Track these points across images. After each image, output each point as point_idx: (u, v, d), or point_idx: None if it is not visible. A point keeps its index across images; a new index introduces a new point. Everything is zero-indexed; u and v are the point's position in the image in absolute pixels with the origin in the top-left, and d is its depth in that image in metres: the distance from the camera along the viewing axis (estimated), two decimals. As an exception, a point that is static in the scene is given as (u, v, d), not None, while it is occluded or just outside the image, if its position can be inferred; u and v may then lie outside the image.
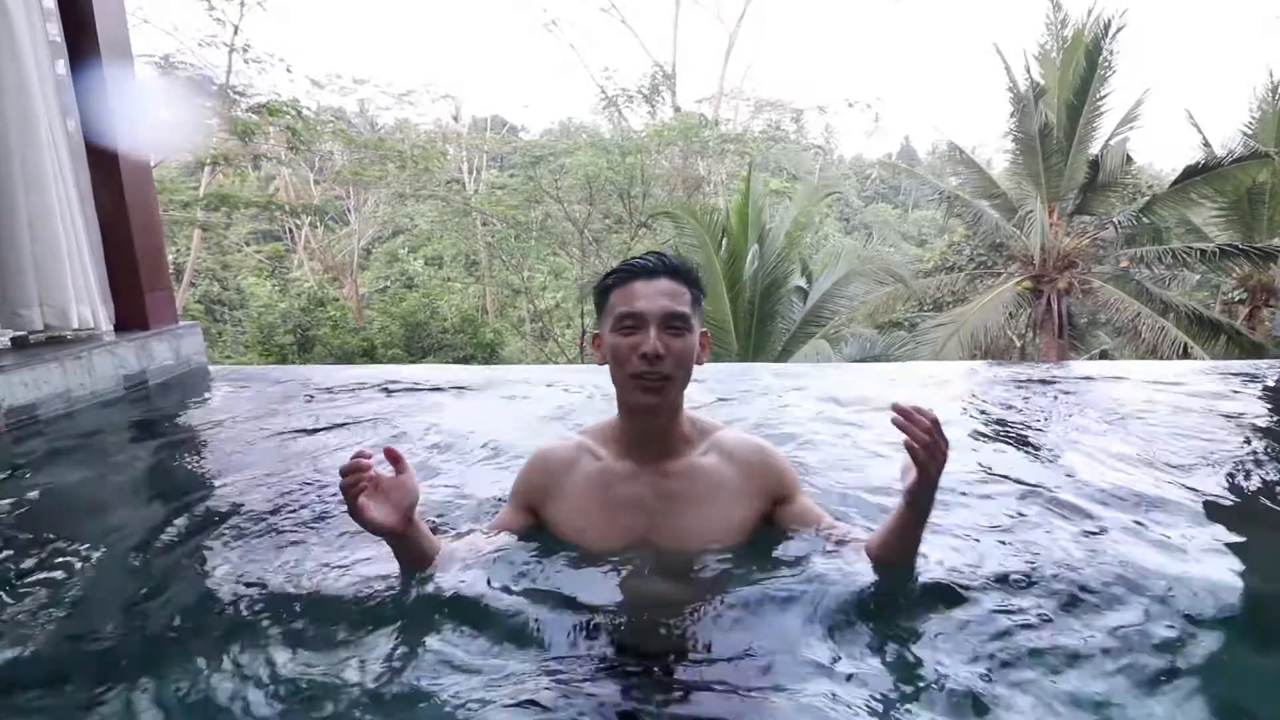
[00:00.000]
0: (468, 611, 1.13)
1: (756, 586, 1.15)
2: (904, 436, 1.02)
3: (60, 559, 1.50)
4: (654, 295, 1.20)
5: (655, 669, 1.03)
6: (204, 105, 12.20)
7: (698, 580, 1.20)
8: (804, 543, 1.25)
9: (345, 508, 1.11)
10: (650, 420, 1.25)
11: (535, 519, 1.33)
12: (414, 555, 1.20)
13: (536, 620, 1.10)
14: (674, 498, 1.25)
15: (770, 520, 1.29)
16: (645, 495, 1.25)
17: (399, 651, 1.08)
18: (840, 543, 1.22)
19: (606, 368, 1.25)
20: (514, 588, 1.18)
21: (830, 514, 1.33)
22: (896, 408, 1.02)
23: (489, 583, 1.18)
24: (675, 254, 1.29)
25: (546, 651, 1.05)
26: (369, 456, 1.10)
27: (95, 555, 1.53)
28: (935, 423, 1.02)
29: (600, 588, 1.18)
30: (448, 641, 1.08)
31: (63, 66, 3.06)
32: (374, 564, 1.30)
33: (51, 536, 1.61)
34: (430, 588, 1.18)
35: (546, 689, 0.96)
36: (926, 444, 1.01)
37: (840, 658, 1.02)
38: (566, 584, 1.19)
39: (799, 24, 59.78)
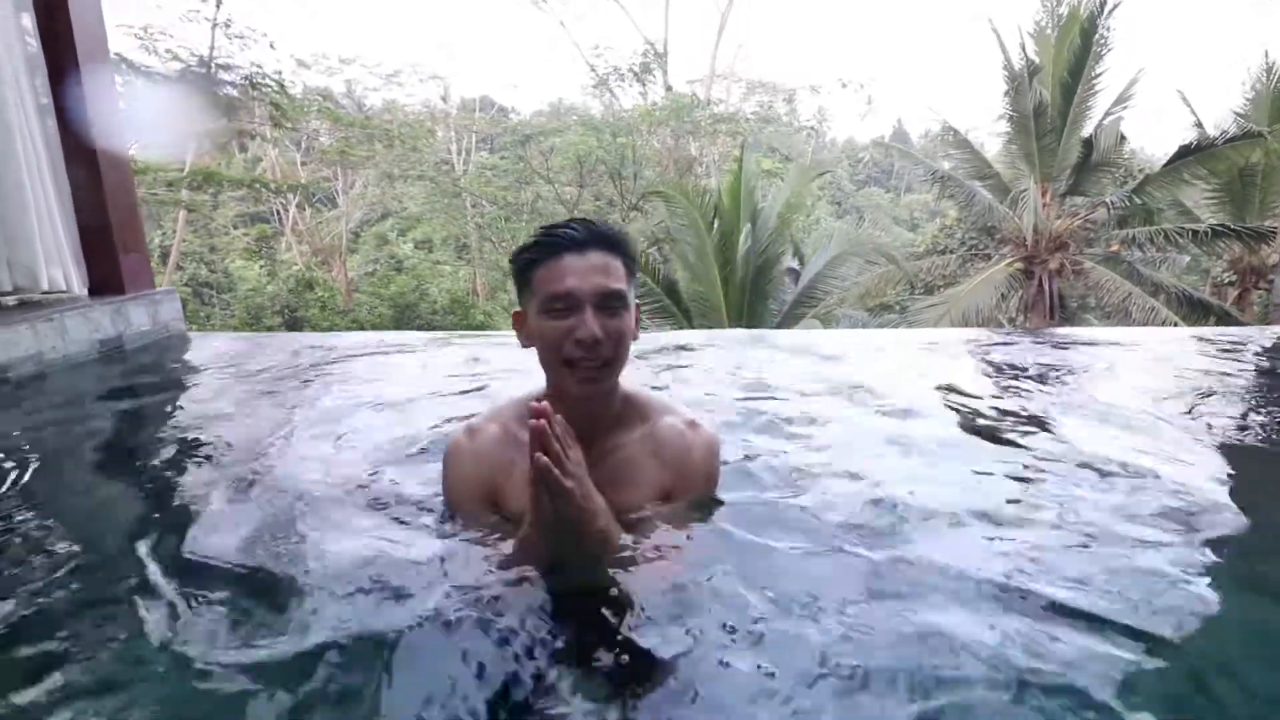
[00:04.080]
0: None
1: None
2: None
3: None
4: (586, 272, 1.07)
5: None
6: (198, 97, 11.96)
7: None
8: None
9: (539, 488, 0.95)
10: (586, 406, 1.13)
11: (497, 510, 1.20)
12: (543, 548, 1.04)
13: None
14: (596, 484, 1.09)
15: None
16: None
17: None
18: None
19: (532, 350, 1.13)
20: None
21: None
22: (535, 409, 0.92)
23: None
24: (602, 220, 1.16)
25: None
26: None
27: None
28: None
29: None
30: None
31: (28, 20, 2.94)
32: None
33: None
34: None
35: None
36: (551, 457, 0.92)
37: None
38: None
39: (792, 2, 59.33)
